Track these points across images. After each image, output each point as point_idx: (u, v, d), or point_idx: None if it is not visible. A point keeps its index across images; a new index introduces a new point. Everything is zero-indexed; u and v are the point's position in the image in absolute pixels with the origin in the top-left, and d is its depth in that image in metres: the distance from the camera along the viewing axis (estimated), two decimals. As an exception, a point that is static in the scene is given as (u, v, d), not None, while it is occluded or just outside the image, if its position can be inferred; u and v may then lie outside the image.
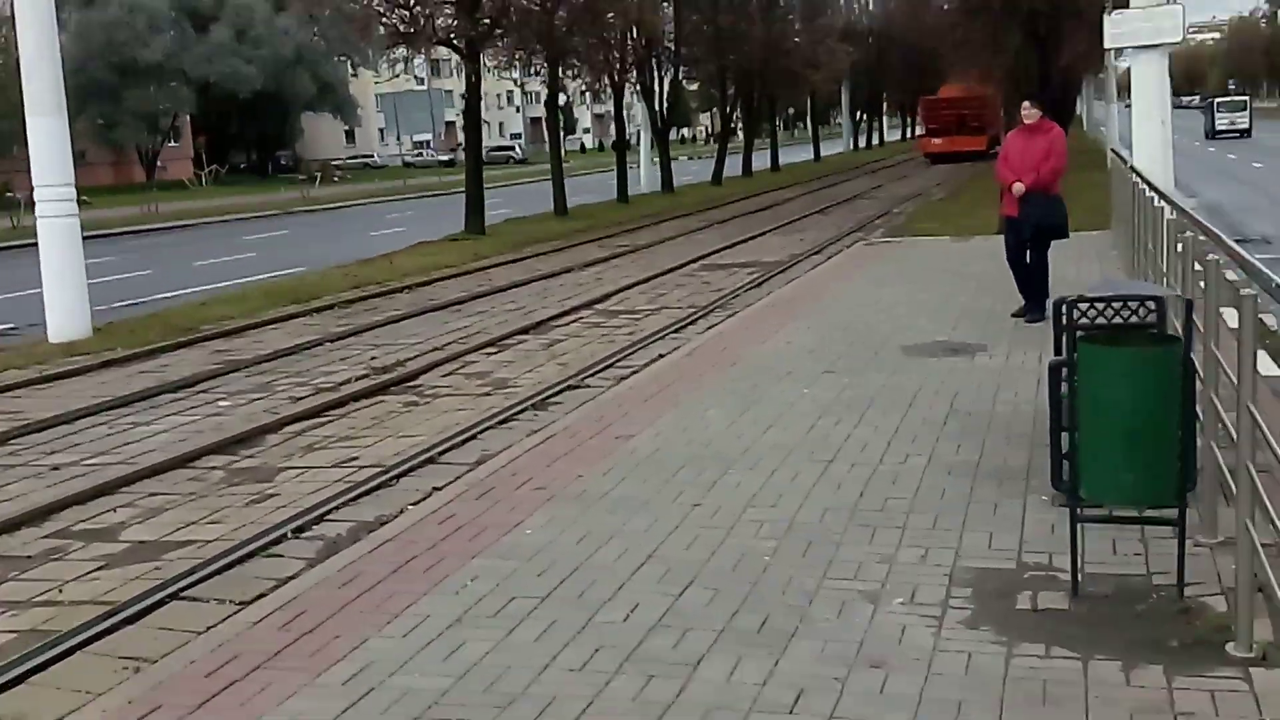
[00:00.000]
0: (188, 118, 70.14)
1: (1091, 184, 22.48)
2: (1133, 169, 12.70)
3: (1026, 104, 10.91)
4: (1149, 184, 10.79)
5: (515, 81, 65.13)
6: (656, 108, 42.77)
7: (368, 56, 52.48)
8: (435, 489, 7.05)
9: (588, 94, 46.28)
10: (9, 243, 28.64)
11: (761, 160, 55.18)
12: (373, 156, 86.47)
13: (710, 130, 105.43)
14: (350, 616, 4.91)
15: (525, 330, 13.50)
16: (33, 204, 14.74)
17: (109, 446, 9.00)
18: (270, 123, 74.68)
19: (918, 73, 71.89)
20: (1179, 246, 6.43)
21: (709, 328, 12.51)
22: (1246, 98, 74.51)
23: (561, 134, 37.53)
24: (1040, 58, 35.24)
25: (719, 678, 4.17)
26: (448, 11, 27.69)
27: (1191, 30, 14.72)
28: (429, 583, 5.23)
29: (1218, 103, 70.63)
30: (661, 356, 10.98)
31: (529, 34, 30.72)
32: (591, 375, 10.60)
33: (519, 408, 9.36)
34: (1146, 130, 13.15)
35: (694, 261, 19.82)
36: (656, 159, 43.08)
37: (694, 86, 62.54)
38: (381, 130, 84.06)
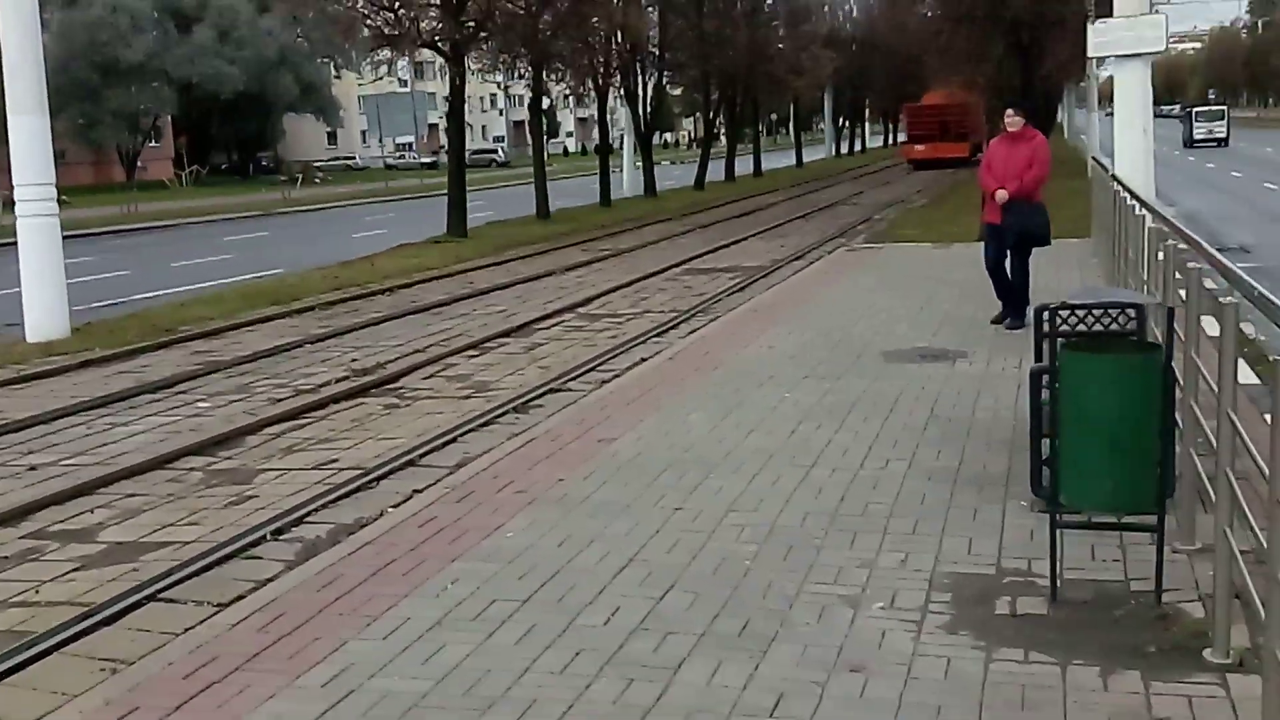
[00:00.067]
0: (169, 118, 69.81)
1: (1072, 192, 22.57)
2: (1114, 177, 12.75)
3: (1010, 112, 10.95)
4: (1130, 192, 10.83)
5: (498, 84, 65.14)
6: (640, 112, 42.83)
7: (351, 58, 52.49)
8: (416, 491, 7.02)
9: (571, 98, 46.22)
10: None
11: (744, 165, 55.28)
12: (354, 158, 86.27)
13: (693, 135, 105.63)
14: (329, 619, 4.89)
15: (507, 333, 13.48)
16: (12, 203, 14.66)
17: (87, 447, 8.95)
18: (252, 124, 74.36)
19: (900, 80, 72.20)
20: (1160, 255, 6.46)
21: (691, 332, 12.52)
22: (1224, 107, 75.06)
23: (544, 137, 37.48)
24: (1023, 66, 35.40)
25: (700, 681, 4.17)
26: (432, 14, 27.66)
27: (1172, 40, 14.83)
28: (409, 585, 5.22)
29: (1196, 112, 71.17)
30: (643, 360, 10.98)
31: (513, 37, 30.72)
32: (573, 379, 10.59)
33: (500, 411, 9.34)
34: (1128, 139, 13.23)
35: (676, 266, 19.83)
36: (639, 163, 43.11)
37: (677, 91, 62.58)
38: (364, 132, 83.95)
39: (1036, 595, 4.80)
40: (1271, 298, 3.71)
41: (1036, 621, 4.57)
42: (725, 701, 4.01)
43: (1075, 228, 17.02)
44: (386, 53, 28.69)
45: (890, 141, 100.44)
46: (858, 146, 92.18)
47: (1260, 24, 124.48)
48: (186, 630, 5.05)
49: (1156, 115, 13.66)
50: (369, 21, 27.47)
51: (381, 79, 32.47)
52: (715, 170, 49.24)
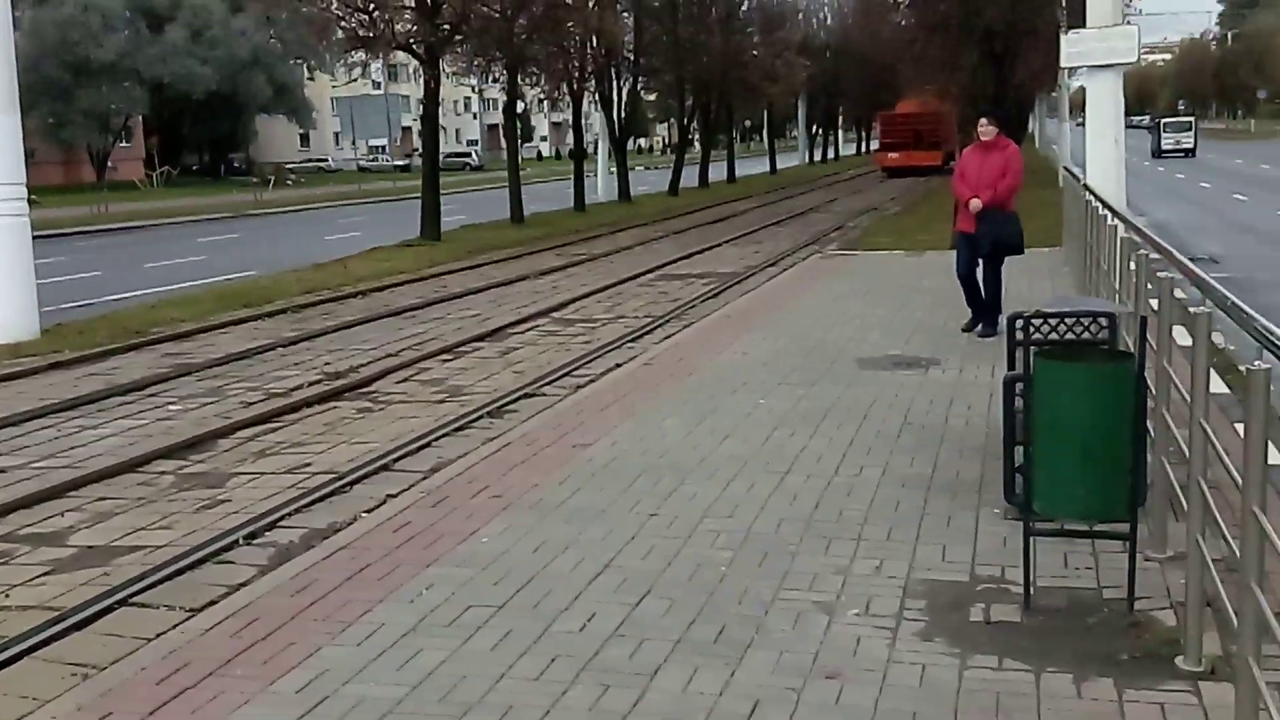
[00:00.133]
0: (140, 118, 69.31)
1: (1043, 201, 22.74)
2: (1086, 187, 12.86)
3: (984, 121, 11.00)
4: (1102, 202, 10.93)
5: (473, 88, 65.05)
6: (614, 117, 42.85)
7: (324, 60, 52.25)
8: (390, 496, 7.00)
9: (545, 102, 46.19)
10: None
11: (718, 171, 55.38)
12: (327, 160, 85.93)
13: (667, 141, 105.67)
14: (303, 624, 4.87)
15: (481, 337, 13.45)
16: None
17: (56, 450, 8.88)
18: (224, 124, 73.99)
19: (874, 88, 72.71)
20: (1132, 264, 6.51)
21: (666, 338, 12.53)
22: (1192, 119, 75.90)
23: (519, 141, 37.42)
24: (996, 75, 35.62)
25: (675, 688, 4.17)
26: (407, 16, 27.59)
27: (1143, 51, 14.91)
28: (384, 591, 5.20)
29: (1164, 123, 71.85)
30: (618, 366, 10.99)
31: (489, 40, 30.66)
32: (548, 383, 10.58)
33: (475, 415, 9.32)
34: (1100, 149, 13.32)
35: (651, 271, 19.84)
36: (614, 168, 43.12)
37: (652, 97, 62.63)
38: (337, 134, 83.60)
39: (1010, 602, 4.83)
40: (1244, 307, 3.76)
41: (1010, 629, 4.60)
42: (701, 708, 4.01)
43: (1046, 237, 17.13)
44: (360, 55, 28.61)
45: (863, 149, 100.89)
46: (831, 154, 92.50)
47: (1230, 36, 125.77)
48: (159, 635, 5.01)
49: (1126, 126, 13.74)
50: (343, 23, 27.38)
51: (355, 81, 32.35)
52: (689, 176, 49.32)
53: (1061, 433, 4.58)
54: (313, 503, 7.15)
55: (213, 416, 9.82)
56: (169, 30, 66.11)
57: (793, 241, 24.71)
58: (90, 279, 21.81)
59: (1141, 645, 4.38)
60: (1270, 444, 3.35)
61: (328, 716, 4.06)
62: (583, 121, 41.03)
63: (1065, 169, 24.92)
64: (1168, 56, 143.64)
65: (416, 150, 68.24)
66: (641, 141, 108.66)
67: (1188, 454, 4.33)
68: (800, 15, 70.94)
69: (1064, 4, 32.53)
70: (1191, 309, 4.21)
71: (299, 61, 73.59)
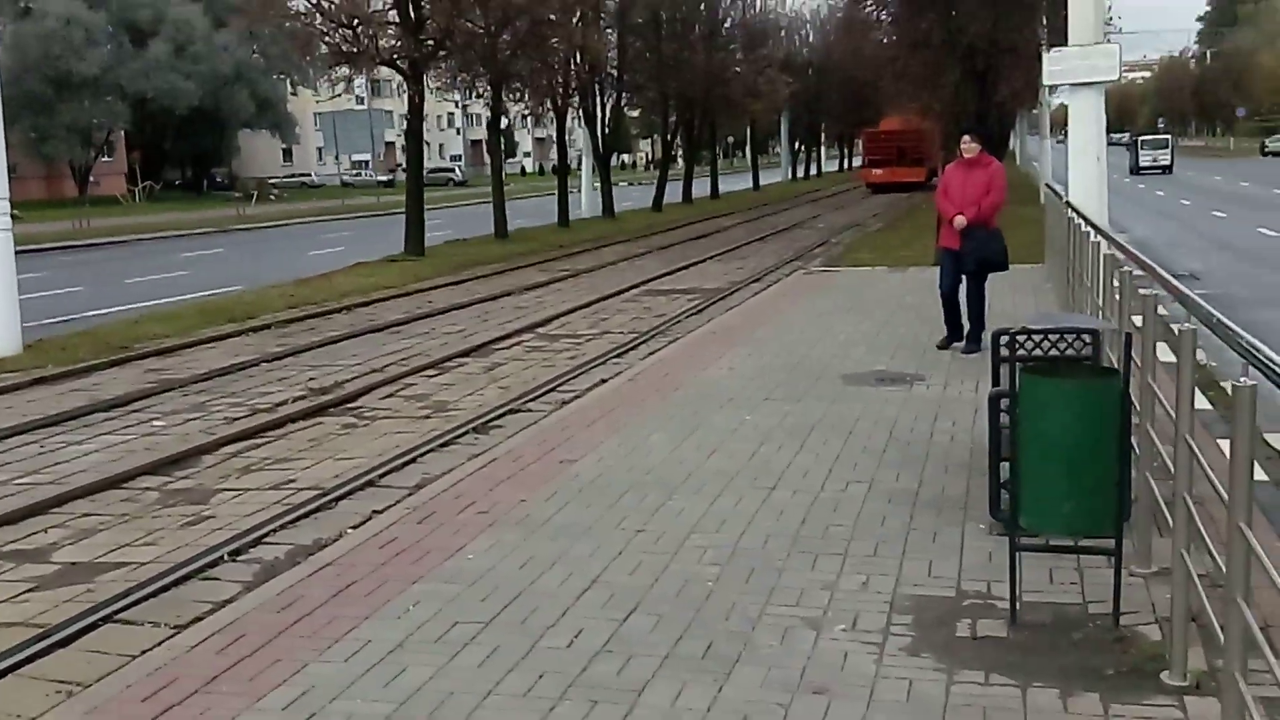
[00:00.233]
0: (122, 133, 69.18)
1: (1025, 219, 22.84)
2: (1068, 204, 12.92)
3: (967, 138, 11.05)
4: (1085, 219, 10.99)
5: (456, 103, 65.14)
6: (598, 133, 42.94)
7: (308, 75, 52.20)
8: (376, 512, 6.99)
9: (529, 117, 46.26)
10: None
11: (701, 188, 55.54)
12: (310, 175, 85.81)
13: (650, 157, 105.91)
14: (289, 641, 4.86)
15: (466, 353, 13.45)
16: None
17: (40, 466, 8.84)
18: (207, 139, 73.87)
19: (856, 105, 73.11)
20: (1115, 280, 6.55)
21: (651, 353, 12.54)
22: (1169, 136, 76.73)
23: (503, 157, 37.44)
24: (979, 92, 35.79)
25: (663, 704, 4.17)
26: (391, 32, 27.61)
27: (1124, 69, 14.99)
28: (370, 607, 5.19)
29: (1142, 140, 72.43)
30: (604, 381, 11.00)
31: (473, 56, 30.68)
32: (533, 399, 10.58)
33: (460, 431, 9.31)
34: (1082, 166, 13.37)
35: (635, 287, 19.87)
36: (597, 184, 43.19)
37: (635, 113, 62.77)
38: (320, 149, 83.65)
39: (996, 618, 4.85)
40: (1230, 324, 3.79)
41: (996, 644, 4.61)
42: (690, 724, 4.01)
43: (1029, 254, 17.21)
44: (344, 70, 28.59)
45: (846, 166, 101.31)
46: (814, 170, 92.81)
47: (1209, 54, 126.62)
48: (144, 652, 4.99)
49: (1106, 143, 13.82)
50: (327, 38, 27.36)
51: (338, 96, 32.31)
52: (673, 192, 49.45)
53: (1047, 449, 4.61)
54: (298, 519, 7.14)
55: (197, 432, 9.79)
56: (152, 45, 66.00)
57: (777, 257, 24.78)
58: (72, 294, 21.73)
59: (1127, 660, 4.40)
60: (1254, 460, 3.38)
61: (315, 733, 4.05)
62: (566, 137, 41.11)
63: (1047, 186, 25.06)
64: (1147, 74, 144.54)
65: (400, 165, 68.31)
66: (625, 157, 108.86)
67: (1172, 470, 4.35)
68: (783, 33, 71.28)
69: (1045, 22, 32.87)
70: (1176, 326, 4.23)
71: (282, 77, 73.63)
